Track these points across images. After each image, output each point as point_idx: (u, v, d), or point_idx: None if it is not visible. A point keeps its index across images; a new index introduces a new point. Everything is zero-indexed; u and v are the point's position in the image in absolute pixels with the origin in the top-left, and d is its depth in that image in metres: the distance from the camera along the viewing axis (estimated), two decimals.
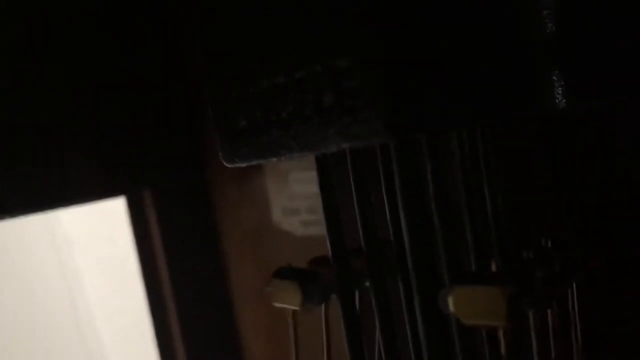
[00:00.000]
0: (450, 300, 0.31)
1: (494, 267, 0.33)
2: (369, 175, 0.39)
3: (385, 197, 0.38)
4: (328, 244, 0.37)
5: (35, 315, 1.03)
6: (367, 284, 0.39)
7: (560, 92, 0.35)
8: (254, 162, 0.35)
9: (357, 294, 0.40)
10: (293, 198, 0.68)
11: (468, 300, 0.31)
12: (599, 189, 0.38)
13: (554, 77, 0.35)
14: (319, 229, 0.40)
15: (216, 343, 0.79)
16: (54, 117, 0.68)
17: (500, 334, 0.30)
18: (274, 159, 0.34)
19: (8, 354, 0.97)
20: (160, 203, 0.76)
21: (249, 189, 0.73)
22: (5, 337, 0.97)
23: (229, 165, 0.36)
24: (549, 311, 0.34)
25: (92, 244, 1.09)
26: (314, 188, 0.40)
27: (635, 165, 0.36)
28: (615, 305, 0.38)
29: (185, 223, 0.78)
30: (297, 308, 0.39)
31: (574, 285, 0.35)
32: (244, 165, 0.36)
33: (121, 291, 1.01)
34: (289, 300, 0.39)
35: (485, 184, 0.37)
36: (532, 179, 0.40)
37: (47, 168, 0.65)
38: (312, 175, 0.39)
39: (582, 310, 0.35)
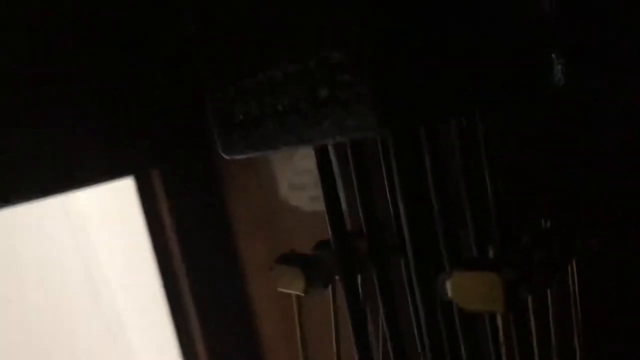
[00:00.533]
0: (449, 286, 0.32)
1: (493, 252, 0.34)
2: (370, 158, 0.39)
3: (385, 182, 0.38)
4: (329, 231, 0.38)
5: (52, 292, 1.06)
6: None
7: (560, 73, 0.34)
8: (252, 155, 0.35)
9: (360, 276, 0.41)
10: (299, 173, 0.69)
11: (466, 286, 0.31)
12: (599, 168, 0.38)
13: (554, 59, 0.34)
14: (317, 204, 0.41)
15: (230, 319, 0.81)
16: (60, 100, 0.68)
17: (499, 319, 0.31)
18: (271, 152, 0.34)
19: (27, 330, 0.99)
20: (169, 182, 0.77)
21: (256, 166, 0.73)
22: (24, 313, 0.99)
23: (227, 157, 0.36)
24: (548, 292, 0.34)
25: (106, 220, 1.10)
26: None
27: (635, 144, 0.36)
28: (615, 285, 0.38)
29: (194, 201, 0.79)
30: (301, 293, 0.39)
31: (574, 265, 0.35)
32: (242, 157, 0.36)
33: (137, 265, 1.02)
34: (292, 286, 0.39)
35: (485, 167, 0.37)
36: (531, 160, 0.40)
37: (54, 152, 0.66)
38: None
39: (583, 290, 0.35)
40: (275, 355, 0.81)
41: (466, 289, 0.31)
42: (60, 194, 0.69)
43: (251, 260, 0.79)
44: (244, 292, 0.81)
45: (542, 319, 0.33)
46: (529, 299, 0.32)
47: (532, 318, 0.32)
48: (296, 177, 0.69)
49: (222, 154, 0.37)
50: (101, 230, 1.09)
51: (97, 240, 1.12)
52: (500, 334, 0.31)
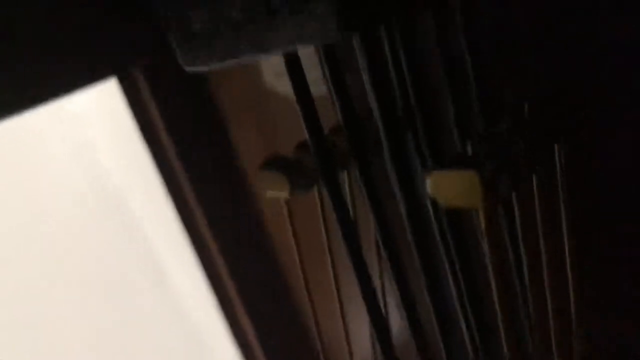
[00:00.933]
0: (428, 184, 0.31)
1: (472, 145, 0.32)
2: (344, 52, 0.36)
3: (363, 77, 0.36)
4: (306, 134, 0.37)
5: (61, 196, 1.07)
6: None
7: None
8: (213, 67, 0.33)
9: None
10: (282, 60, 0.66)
11: (445, 184, 0.30)
12: (580, 48, 0.36)
13: None
14: (312, 89, 0.39)
15: (234, 213, 0.82)
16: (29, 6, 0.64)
17: (481, 215, 0.30)
18: (234, 62, 0.32)
19: (39, 238, 1.02)
20: (153, 79, 0.75)
21: None
22: (35, 222, 1.01)
23: (189, 70, 0.34)
24: (534, 179, 0.33)
25: (98, 116, 1.09)
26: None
27: (616, 23, 0.34)
28: (601, 167, 0.37)
29: (181, 96, 0.77)
30: (287, 197, 0.39)
31: (560, 148, 0.34)
32: (205, 69, 0.34)
33: (138, 164, 1.02)
34: (278, 191, 0.39)
35: (465, 52, 0.35)
36: (511, 42, 0.38)
37: (30, 62, 0.63)
38: None
39: (568, 173, 0.34)
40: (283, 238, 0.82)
41: (446, 187, 0.30)
42: (38, 106, 0.67)
43: (246, 148, 0.78)
44: (242, 181, 0.81)
45: (528, 210, 0.32)
46: (513, 192, 0.31)
47: (515, 209, 0.32)
48: (280, 64, 0.67)
49: (184, 67, 0.35)
50: (96, 129, 1.08)
51: (95, 140, 1.11)
52: (482, 228, 0.30)
